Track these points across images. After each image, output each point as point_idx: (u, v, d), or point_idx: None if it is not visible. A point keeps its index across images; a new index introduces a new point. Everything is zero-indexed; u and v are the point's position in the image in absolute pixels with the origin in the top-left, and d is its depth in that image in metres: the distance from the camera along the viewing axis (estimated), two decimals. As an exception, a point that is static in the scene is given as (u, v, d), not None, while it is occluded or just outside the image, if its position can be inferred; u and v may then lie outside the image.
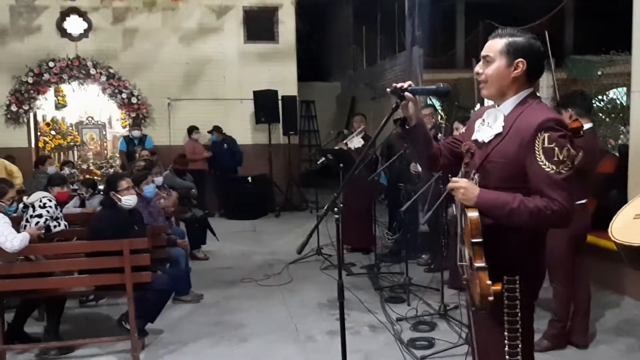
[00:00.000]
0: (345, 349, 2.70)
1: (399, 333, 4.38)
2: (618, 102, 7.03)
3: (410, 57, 10.27)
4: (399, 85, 2.28)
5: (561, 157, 1.98)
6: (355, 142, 6.71)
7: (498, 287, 2.06)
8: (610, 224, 2.64)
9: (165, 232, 5.18)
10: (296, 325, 4.69)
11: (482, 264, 2.04)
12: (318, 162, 7.11)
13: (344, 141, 6.80)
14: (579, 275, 4.00)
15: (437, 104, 7.74)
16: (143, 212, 4.87)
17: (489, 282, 2.02)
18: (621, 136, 6.88)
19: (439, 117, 5.99)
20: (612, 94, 7.50)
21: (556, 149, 1.98)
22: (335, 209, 2.56)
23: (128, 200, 4.36)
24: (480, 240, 2.05)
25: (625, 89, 6.95)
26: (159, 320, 4.55)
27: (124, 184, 4.35)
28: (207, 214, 8.36)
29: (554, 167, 1.98)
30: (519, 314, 2.13)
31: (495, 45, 2.15)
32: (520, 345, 2.15)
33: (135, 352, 4.03)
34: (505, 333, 2.15)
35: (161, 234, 4.96)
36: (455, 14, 15.10)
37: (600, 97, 7.35)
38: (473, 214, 2.07)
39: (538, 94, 2.21)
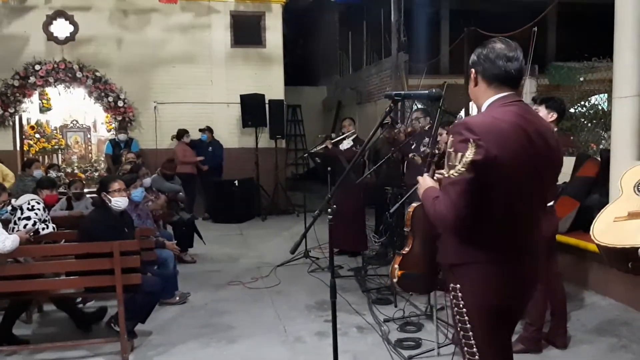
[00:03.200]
0: (337, 346, 2.76)
1: (386, 334, 4.42)
2: (599, 107, 7.19)
3: (396, 63, 10.41)
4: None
5: (455, 162, 1.95)
6: (345, 144, 6.79)
7: (398, 273, 2.38)
8: (592, 226, 2.74)
9: (153, 234, 5.20)
10: (285, 326, 4.72)
11: (401, 251, 2.21)
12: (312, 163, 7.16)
13: (333, 140, 6.87)
14: (552, 279, 4.06)
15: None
16: (131, 215, 4.89)
17: (396, 266, 2.18)
18: (603, 141, 7.03)
19: (429, 121, 6.04)
20: (593, 100, 7.67)
21: (453, 153, 1.97)
22: (329, 209, 2.64)
23: (118, 201, 4.37)
24: (407, 230, 2.23)
25: (606, 95, 7.12)
26: (148, 323, 4.55)
27: (116, 185, 4.36)
28: (194, 217, 8.37)
29: (447, 171, 1.98)
30: (464, 320, 2.15)
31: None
32: (466, 348, 2.17)
33: (125, 354, 4.03)
34: (458, 337, 2.21)
35: (149, 236, 4.98)
36: (440, 20, 15.27)
37: (582, 102, 7.51)
38: (411, 205, 2.24)
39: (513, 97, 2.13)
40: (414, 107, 6.65)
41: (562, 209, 5.13)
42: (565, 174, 5.26)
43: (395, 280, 2.16)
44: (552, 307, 4.08)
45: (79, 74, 9.98)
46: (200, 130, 10.39)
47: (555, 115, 3.88)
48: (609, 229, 2.66)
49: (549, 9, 7.61)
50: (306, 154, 7.21)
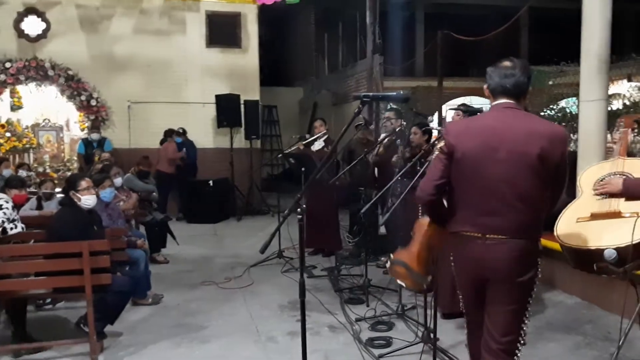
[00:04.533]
0: (305, 345, 2.78)
1: (357, 333, 4.46)
2: (568, 110, 7.34)
3: (371, 65, 10.47)
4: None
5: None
6: (317, 145, 6.81)
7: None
8: (555, 227, 2.80)
9: (125, 234, 5.16)
10: (257, 326, 4.73)
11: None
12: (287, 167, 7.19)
13: (304, 142, 6.89)
14: None
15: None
16: (102, 214, 4.84)
17: (391, 255, 3.10)
18: (571, 144, 7.18)
19: (400, 122, 6.11)
20: (563, 103, 7.83)
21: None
22: (298, 209, 2.67)
23: (87, 200, 4.33)
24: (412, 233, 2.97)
25: (575, 98, 7.28)
26: (118, 323, 4.52)
27: (84, 183, 4.33)
28: (168, 217, 8.32)
29: None
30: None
31: None
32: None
33: (94, 355, 4.00)
34: None
35: (121, 236, 4.94)
36: (415, 23, 15.41)
37: (551, 105, 7.66)
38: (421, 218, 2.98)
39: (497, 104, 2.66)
40: (388, 108, 6.68)
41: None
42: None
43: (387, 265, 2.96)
44: None
45: (50, 72, 9.83)
46: (177, 132, 10.33)
47: None
48: (573, 229, 2.73)
49: (519, 13, 7.75)
50: (280, 155, 7.23)
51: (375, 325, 4.61)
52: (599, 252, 2.57)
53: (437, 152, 2.72)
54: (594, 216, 2.72)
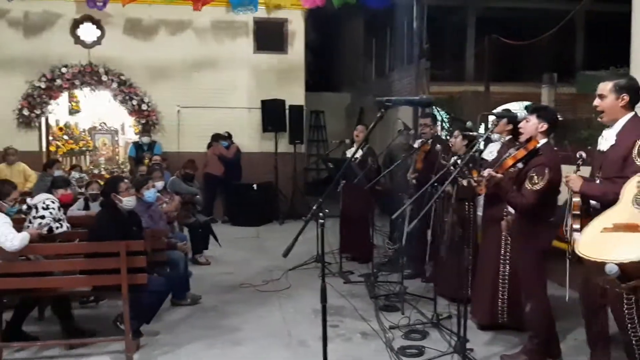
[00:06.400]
0: (326, 350, 2.77)
1: (390, 341, 4.41)
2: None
3: (417, 70, 10.37)
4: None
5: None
6: (351, 151, 6.72)
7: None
8: (581, 233, 2.69)
9: (166, 235, 5.27)
10: (290, 330, 4.74)
11: (577, 226, 3.03)
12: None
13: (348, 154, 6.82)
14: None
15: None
16: (143, 216, 4.96)
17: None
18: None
19: (440, 128, 6.00)
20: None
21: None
22: (320, 214, 2.68)
23: (129, 201, 4.48)
24: (578, 213, 3.08)
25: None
26: (155, 322, 4.64)
27: (124, 185, 4.47)
28: (212, 219, 8.46)
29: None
30: None
31: (606, 86, 3.17)
32: None
33: (129, 353, 4.10)
34: None
35: (161, 238, 5.05)
36: (466, 27, 15.14)
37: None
38: (576, 198, 3.11)
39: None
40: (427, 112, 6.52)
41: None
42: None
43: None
44: None
45: (104, 78, 10.19)
46: (224, 136, 10.54)
47: (545, 126, 3.72)
48: (594, 239, 2.61)
49: (568, 17, 7.51)
50: (317, 159, 7.23)
51: (409, 333, 4.53)
52: (602, 266, 2.45)
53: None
54: (616, 227, 2.58)
